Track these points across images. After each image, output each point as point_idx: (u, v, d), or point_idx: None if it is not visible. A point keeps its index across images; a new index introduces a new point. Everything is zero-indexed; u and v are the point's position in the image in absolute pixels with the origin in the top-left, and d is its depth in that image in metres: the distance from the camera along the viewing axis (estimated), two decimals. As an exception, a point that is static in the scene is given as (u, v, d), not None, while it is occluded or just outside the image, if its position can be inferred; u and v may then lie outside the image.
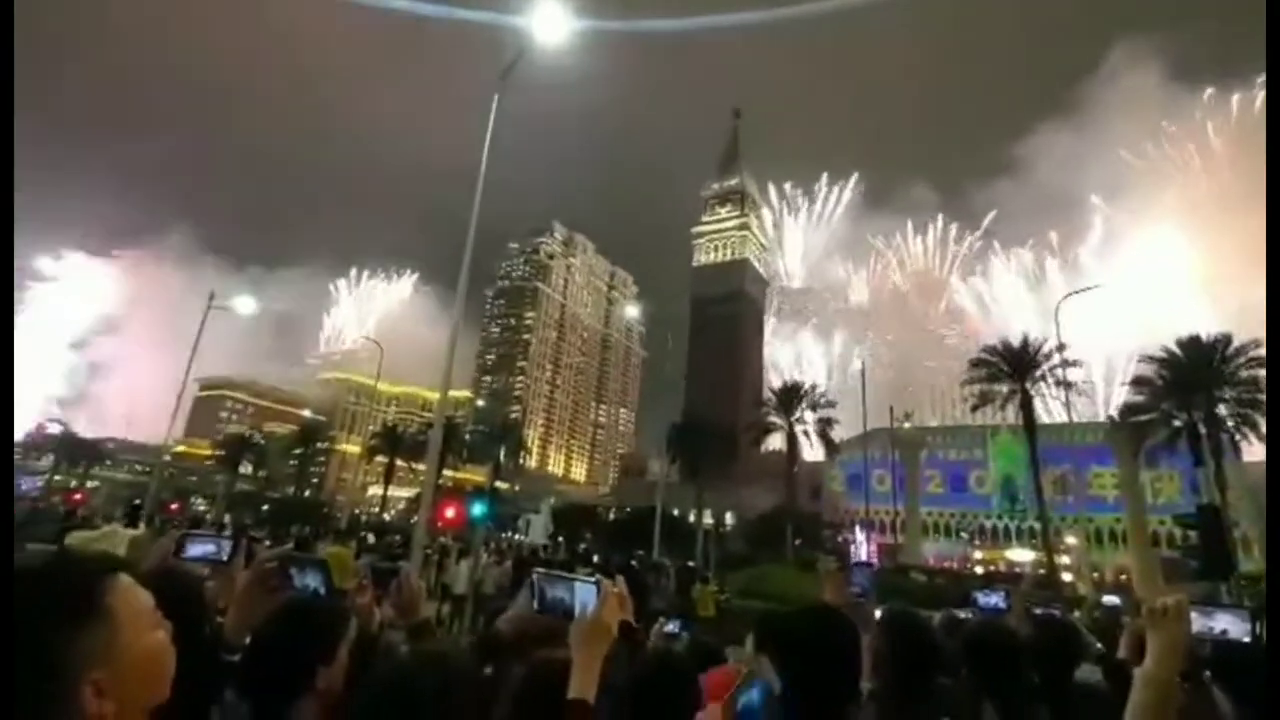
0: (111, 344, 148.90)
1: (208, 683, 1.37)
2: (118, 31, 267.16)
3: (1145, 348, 33.67)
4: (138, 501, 21.08)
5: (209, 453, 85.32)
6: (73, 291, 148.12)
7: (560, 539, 45.99)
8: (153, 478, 31.59)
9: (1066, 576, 41.10)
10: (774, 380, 61.84)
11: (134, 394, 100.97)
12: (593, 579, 1.60)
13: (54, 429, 75.88)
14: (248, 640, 1.53)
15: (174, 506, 50.75)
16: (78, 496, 40.97)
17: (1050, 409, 37.15)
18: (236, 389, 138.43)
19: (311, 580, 1.71)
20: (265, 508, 59.68)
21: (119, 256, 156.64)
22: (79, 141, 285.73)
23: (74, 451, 69.00)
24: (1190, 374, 28.58)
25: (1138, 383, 32.30)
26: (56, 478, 65.52)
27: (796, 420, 44.77)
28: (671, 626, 4.38)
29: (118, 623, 0.85)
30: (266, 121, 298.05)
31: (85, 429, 79.73)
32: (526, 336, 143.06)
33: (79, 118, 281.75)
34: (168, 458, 44.77)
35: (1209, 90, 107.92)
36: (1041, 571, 39.49)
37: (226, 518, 38.44)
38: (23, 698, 0.77)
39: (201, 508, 57.21)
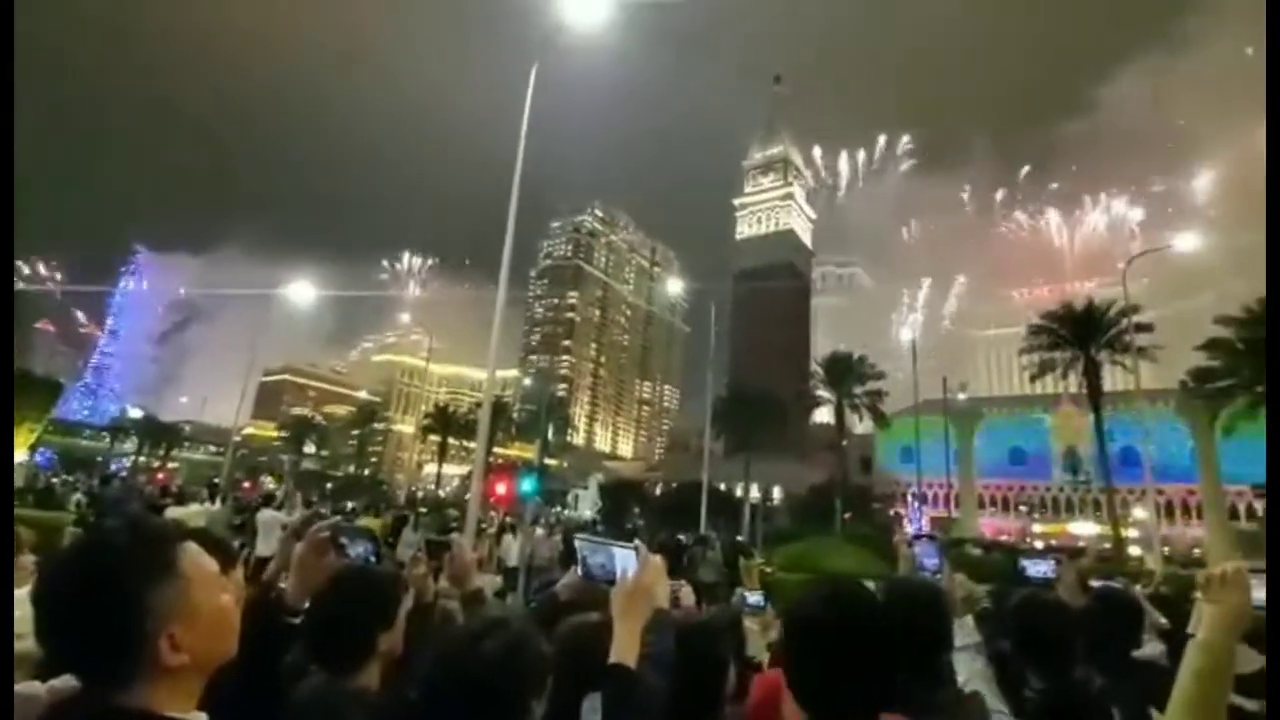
0: (188, 332, 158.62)
1: (271, 643, 1.49)
2: (162, 27, 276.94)
3: (1224, 307, 31.39)
4: (216, 480, 22.67)
5: (275, 434, 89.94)
6: (153, 283, 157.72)
7: (606, 514, 46.77)
8: (226, 458, 33.52)
9: (1134, 551, 39.46)
10: (822, 351, 60.97)
11: (208, 379, 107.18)
12: (632, 545, 1.63)
13: (136, 413, 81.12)
14: (308, 605, 1.64)
15: (247, 485, 53.84)
16: (161, 476, 43.94)
17: (1115, 376, 35.35)
18: (297, 373, 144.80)
19: (362, 549, 1.81)
20: (329, 485, 62.75)
21: (194, 249, 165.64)
22: (158, 140, 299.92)
23: (155, 434, 73.73)
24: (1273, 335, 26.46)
25: (1213, 346, 30.20)
26: (140, 459, 70.25)
27: (845, 392, 43.95)
28: (756, 598, 4.22)
29: (190, 583, 0.96)
30: (315, 109, 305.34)
31: (165, 413, 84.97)
32: (570, 315, 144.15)
33: (155, 118, 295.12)
34: (238, 439, 47.37)
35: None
36: (1106, 546, 38.05)
37: (278, 491, 40.56)
38: (109, 648, 0.89)
39: (271, 486, 60.50)
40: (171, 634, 0.91)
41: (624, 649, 1.42)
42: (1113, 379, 35.81)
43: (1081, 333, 33.41)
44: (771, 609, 5.48)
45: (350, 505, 28.05)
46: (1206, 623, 1.40)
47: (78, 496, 17.56)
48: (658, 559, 1.59)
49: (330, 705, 1.49)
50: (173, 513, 11.03)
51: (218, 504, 13.73)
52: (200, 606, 0.96)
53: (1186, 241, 21.00)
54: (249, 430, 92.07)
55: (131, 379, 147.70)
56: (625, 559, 1.60)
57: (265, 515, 10.37)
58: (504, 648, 1.33)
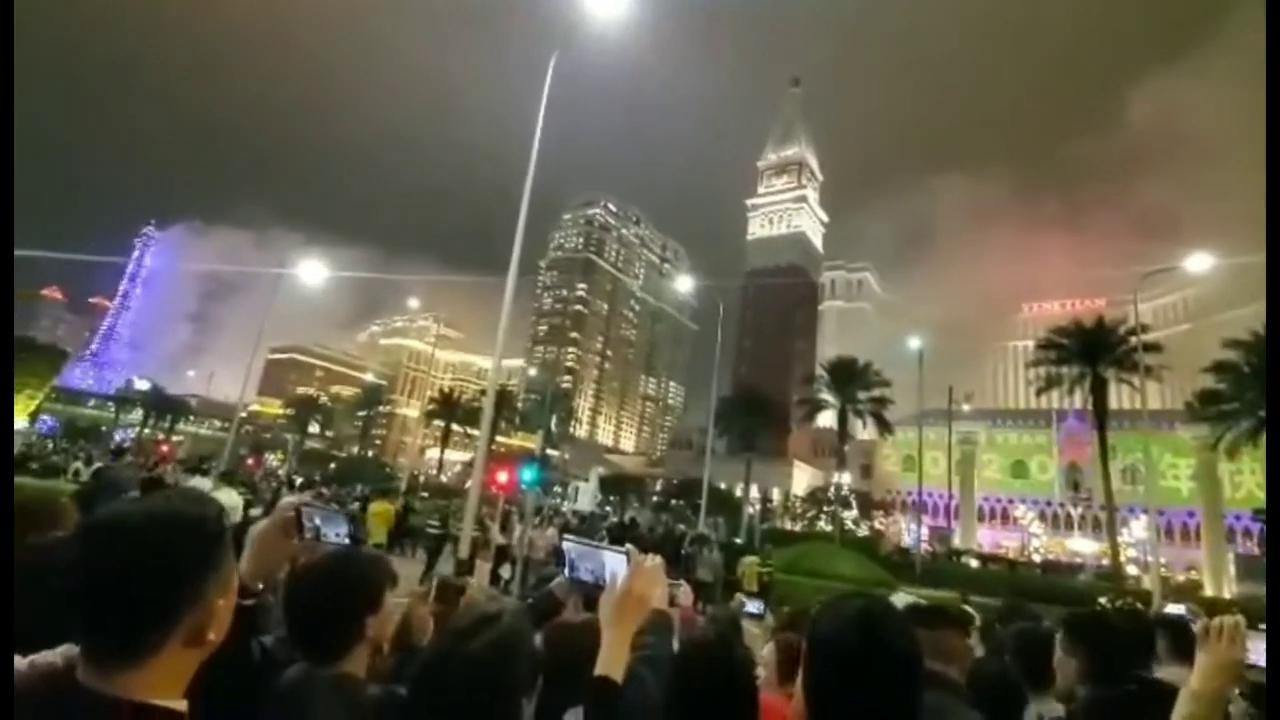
0: (205, 307, 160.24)
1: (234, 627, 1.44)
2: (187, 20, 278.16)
3: (1236, 330, 30.99)
4: (206, 458, 22.78)
5: (280, 411, 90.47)
6: (173, 261, 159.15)
7: (609, 507, 46.89)
8: (230, 434, 33.65)
9: (1132, 570, 39.28)
10: (828, 355, 60.73)
11: (220, 354, 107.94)
12: (623, 549, 1.55)
13: (143, 385, 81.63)
14: (286, 591, 1.60)
15: (250, 461, 54.16)
16: (165, 449, 44.11)
17: (1121, 394, 34.96)
18: (305, 352, 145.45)
19: (336, 528, 1.68)
20: (332, 465, 63.05)
21: (211, 230, 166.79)
22: (188, 125, 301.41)
23: (161, 406, 74.25)
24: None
25: (1220, 369, 29.86)
26: (145, 431, 70.77)
27: (849, 398, 43.77)
28: (753, 607, 4.20)
29: (234, 572, 0.98)
30: (340, 105, 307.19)
31: (173, 386, 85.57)
32: (578, 307, 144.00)
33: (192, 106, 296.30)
34: (243, 415, 47.53)
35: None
36: (1104, 563, 37.88)
37: (281, 470, 40.77)
38: (146, 610, 0.84)
39: (274, 464, 60.80)
40: (204, 613, 0.88)
41: (611, 660, 1.33)
42: (1119, 397, 35.49)
43: (1090, 349, 33.08)
44: (770, 615, 5.47)
45: (360, 489, 28.04)
46: (1198, 672, 1.42)
47: (76, 465, 17.67)
48: (652, 562, 1.50)
49: (311, 694, 1.45)
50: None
51: (211, 481, 13.80)
52: (227, 599, 0.95)
53: (1199, 263, 20.67)
54: (254, 406, 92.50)
55: (143, 350, 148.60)
56: (615, 563, 1.51)
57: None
58: (494, 645, 1.32)
